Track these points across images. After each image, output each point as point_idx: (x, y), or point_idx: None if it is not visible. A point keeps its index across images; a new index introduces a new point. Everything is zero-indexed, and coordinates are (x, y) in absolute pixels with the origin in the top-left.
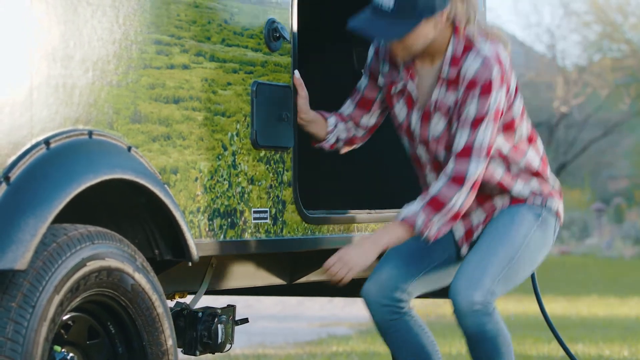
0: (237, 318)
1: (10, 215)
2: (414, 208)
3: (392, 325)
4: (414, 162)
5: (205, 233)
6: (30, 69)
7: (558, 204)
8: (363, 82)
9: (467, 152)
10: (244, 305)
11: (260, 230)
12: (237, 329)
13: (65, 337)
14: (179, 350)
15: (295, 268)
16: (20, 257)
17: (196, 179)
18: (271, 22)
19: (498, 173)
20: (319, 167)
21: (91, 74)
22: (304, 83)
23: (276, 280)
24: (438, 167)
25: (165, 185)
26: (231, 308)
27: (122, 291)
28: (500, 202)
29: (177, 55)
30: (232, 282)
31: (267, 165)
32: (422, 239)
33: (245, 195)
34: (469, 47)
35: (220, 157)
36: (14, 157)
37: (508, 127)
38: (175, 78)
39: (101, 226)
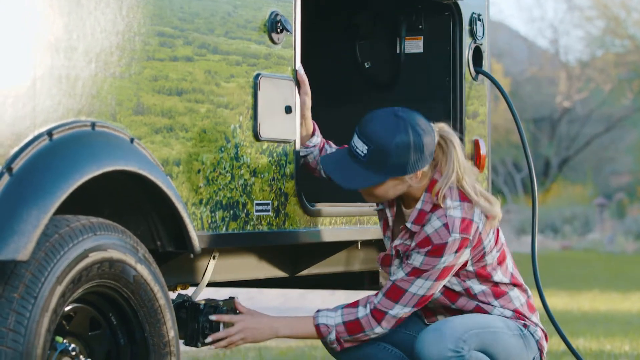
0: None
1: (13, 206)
2: (331, 320)
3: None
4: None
5: (208, 225)
6: (33, 60)
7: (542, 338)
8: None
9: (397, 294)
10: (246, 297)
11: (263, 222)
12: None
13: (67, 328)
14: (181, 341)
15: (297, 260)
16: (22, 248)
17: (199, 171)
18: (274, 15)
19: (471, 304)
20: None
21: (94, 66)
22: (307, 76)
23: (278, 273)
24: None
25: (168, 177)
26: (232, 299)
27: (124, 282)
28: None
29: (181, 48)
30: (234, 274)
31: (270, 158)
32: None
33: (248, 188)
34: (437, 206)
35: (222, 149)
36: (16, 148)
37: (481, 274)
38: (179, 70)
39: (103, 218)
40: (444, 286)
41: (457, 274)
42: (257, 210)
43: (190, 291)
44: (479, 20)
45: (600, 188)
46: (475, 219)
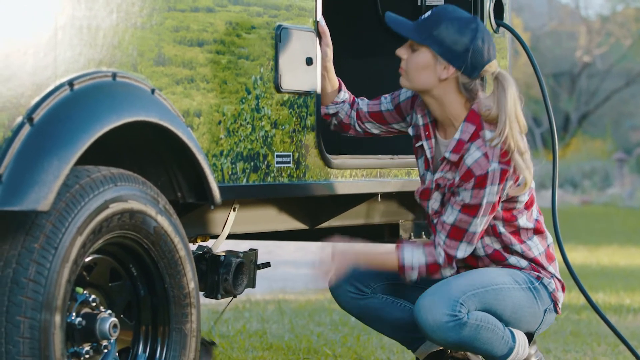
0: (258, 262)
1: (34, 156)
2: (416, 261)
3: (361, 305)
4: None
5: (228, 177)
6: (54, 10)
7: (557, 290)
8: (386, 105)
9: (459, 235)
10: (264, 251)
11: (283, 174)
12: (258, 274)
13: (88, 279)
14: (201, 293)
15: (317, 213)
16: (43, 199)
17: (219, 122)
18: None
19: (490, 248)
20: None
21: (115, 16)
22: (328, 27)
23: (298, 225)
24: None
25: (189, 128)
26: (253, 252)
27: (145, 233)
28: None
29: None
30: (254, 226)
31: (291, 110)
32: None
33: (269, 139)
34: (476, 135)
35: (243, 100)
36: (37, 98)
37: (508, 212)
38: (200, 21)
39: (124, 168)
40: None
41: None
42: (277, 162)
43: (210, 243)
44: None
45: (620, 143)
46: (507, 156)
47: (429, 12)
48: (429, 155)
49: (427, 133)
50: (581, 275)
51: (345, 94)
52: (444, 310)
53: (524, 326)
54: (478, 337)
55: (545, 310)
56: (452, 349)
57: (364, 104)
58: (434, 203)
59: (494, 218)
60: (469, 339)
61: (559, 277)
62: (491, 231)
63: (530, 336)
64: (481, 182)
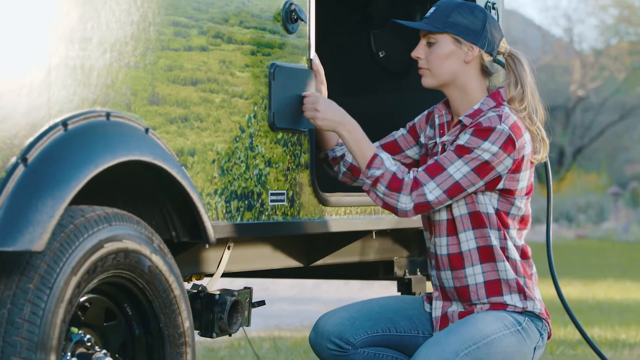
0: (253, 300)
1: (28, 196)
2: (387, 163)
3: None
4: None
5: (222, 215)
6: (48, 50)
7: (541, 310)
8: (399, 133)
9: (436, 171)
10: (260, 288)
11: (277, 212)
12: (254, 311)
13: (83, 318)
14: (196, 332)
15: (312, 250)
16: (38, 239)
17: (213, 161)
18: (289, 4)
19: (480, 275)
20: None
21: (109, 56)
22: (322, 65)
23: (293, 263)
24: (441, 229)
25: (183, 167)
26: (248, 290)
27: (139, 273)
28: (479, 306)
29: (195, 37)
30: (248, 264)
31: (285, 148)
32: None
33: (263, 178)
34: (494, 108)
35: (237, 139)
36: (31, 139)
37: (506, 193)
38: (193, 60)
39: (118, 208)
40: (475, 216)
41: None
42: (271, 200)
43: (205, 281)
44: (493, 8)
45: (615, 177)
46: (525, 135)
47: (433, 8)
48: (439, 148)
49: (441, 132)
50: (576, 310)
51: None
52: None
53: None
54: None
55: (535, 348)
56: None
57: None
58: None
59: (490, 225)
60: None
61: (540, 301)
62: (482, 242)
63: None
64: (483, 133)
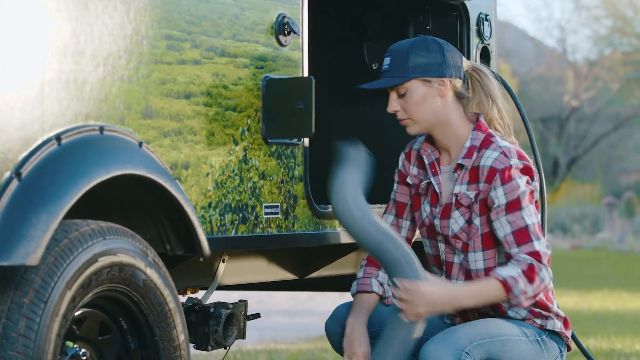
0: (248, 313)
1: (22, 211)
2: (513, 271)
3: None
4: (433, 263)
5: (217, 228)
6: (41, 65)
7: (563, 328)
8: (394, 189)
9: (524, 235)
10: (255, 300)
11: (272, 225)
12: (249, 324)
13: (77, 332)
14: (191, 345)
15: (307, 263)
16: (32, 253)
17: (207, 174)
18: (282, 17)
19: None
20: (330, 162)
21: (102, 70)
22: (315, 78)
23: (288, 275)
24: (456, 269)
25: (177, 181)
26: (243, 303)
27: (134, 287)
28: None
29: (188, 51)
30: (243, 277)
31: (278, 160)
32: (506, 308)
33: (257, 190)
34: (487, 141)
35: (231, 152)
36: (25, 153)
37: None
38: (187, 73)
39: (113, 222)
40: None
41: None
42: (266, 213)
43: (200, 295)
44: (486, 20)
45: (609, 187)
46: (520, 149)
47: (388, 58)
48: (437, 190)
49: (433, 170)
50: (572, 320)
51: (374, 285)
52: (449, 359)
53: None
54: None
55: (557, 355)
56: None
57: (386, 220)
58: (454, 223)
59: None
60: None
61: (562, 313)
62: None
63: None
64: (508, 176)
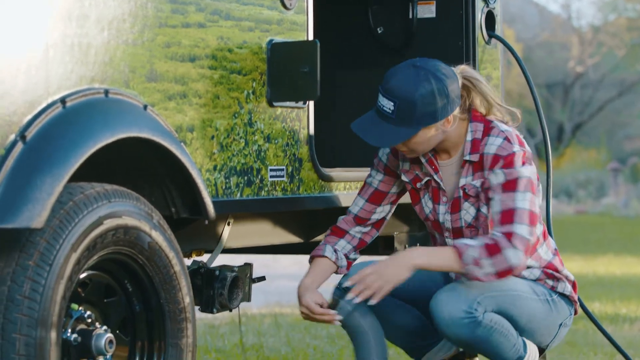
0: (254, 276)
1: (27, 174)
2: (469, 242)
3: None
4: None
5: (222, 191)
6: (45, 28)
7: (573, 291)
8: (375, 178)
9: (509, 217)
10: (260, 264)
11: (277, 188)
12: (254, 288)
13: (83, 295)
14: (196, 308)
15: (312, 226)
16: (37, 216)
17: (212, 137)
18: None
19: None
20: (335, 125)
21: (107, 33)
22: (320, 41)
23: (293, 239)
24: None
25: (182, 144)
26: (248, 266)
27: (139, 249)
28: None
29: (193, 14)
30: (248, 240)
31: (283, 123)
32: (458, 276)
33: (262, 153)
34: (488, 129)
35: (236, 115)
36: (30, 116)
37: None
38: (191, 36)
39: (118, 184)
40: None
41: None
42: (271, 176)
43: (205, 258)
44: None
45: (614, 152)
46: (519, 134)
47: (389, 103)
48: (442, 187)
49: (433, 167)
50: (577, 285)
51: (327, 251)
52: (460, 306)
53: (537, 338)
54: (490, 339)
55: (561, 325)
56: (462, 347)
57: (355, 206)
58: (465, 214)
59: None
60: (481, 339)
61: (572, 276)
62: None
63: (541, 351)
64: (510, 162)
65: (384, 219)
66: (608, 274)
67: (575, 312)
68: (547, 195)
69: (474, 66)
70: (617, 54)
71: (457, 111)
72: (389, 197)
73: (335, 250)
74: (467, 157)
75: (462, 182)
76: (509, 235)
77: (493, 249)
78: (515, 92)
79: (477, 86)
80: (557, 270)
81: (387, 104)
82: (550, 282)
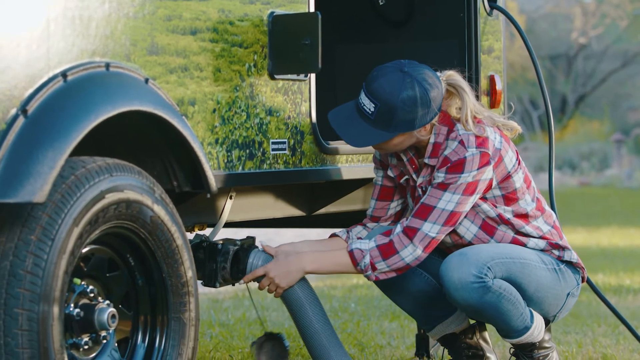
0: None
1: (28, 148)
2: (365, 245)
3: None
4: None
5: (224, 165)
6: (46, 2)
7: (577, 257)
8: (378, 175)
9: (426, 211)
10: (263, 238)
11: (279, 161)
12: None
13: (85, 269)
14: (199, 282)
15: (314, 199)
16: (39, 190)
17: (214, 111)
18: None
19: (509, 235)
20: (337, 97)
21: (107, 6)
22: (322, 14)
23: (295, 212)
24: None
25: (183, 117)
26: (251, 239)
27: (141, 223)
28: None
29: None
30: (251, 213)
31: (285, 96)
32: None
33: (264, 127)
34: (450, 131)
35: (237, 88)
36: (31, 90)
37: (509, 198)
38: (192, 9)
39: (119, 158)
40: (482, 217)
41: (486, 199)
42: (273, 149)
43: (207, 231)
44: None
45: (617, 124)
46: (489, 135)
47: (370, 104)
48: (419, 192)
49: (414, 166)
50: (581, 257)
51: (345, 233)
52: (470, 271)
53: (545, 308)
54: (498, 305)
55: (568, 294)
56: (469, 314)
57: (370, 208)
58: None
59: (497, 204)
60: (489, 305)
61: (569, 247)
62: (499, 220)
63: (547, 322)
64: (457, 168)
65: (402, 210)
66: (611, 246)
67: (583, 280)
68: (550, 168)
69: (476, 38)
70: (620, 25)
71: (435, 120)
72: (395, 191)
73: (348, 231)
74: (426, 160)
75: (420, 180)
76: (411, 232)
77: (388, 251)
78: (518, 64)
79: (460, 95)
80: (558, 245)
81: (369, 105)
82: (556, 252)
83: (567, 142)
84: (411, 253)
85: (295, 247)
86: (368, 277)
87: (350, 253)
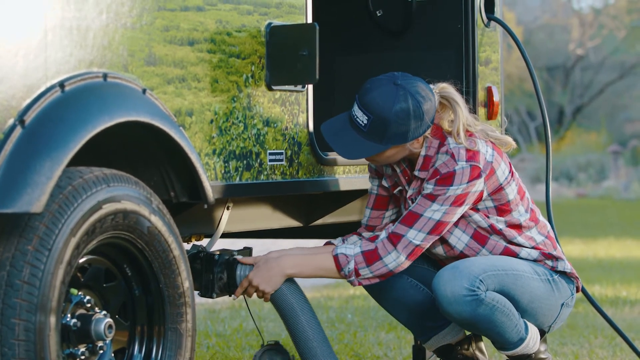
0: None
1: (26, 158)
2: (350, 251)
3: (383, 283)
4: None
5: (221, 175)
6: (44, 12)
7: (571, 267)
8: (373, 184)
9: (412, 219)
10: (260, 249)
11: (276, 172)
12: None
13: (82, 280)
14: (196, 292)
15: (311, 210)
16: (36, 200)
17: (211, 121)
18: None
19: (501, 244)
20: (334, 108)
21: (105, 16)
22: (319, 25)
23: (292, 223)
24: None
25: (181, 128)
26: (248, 250)
27: (139, 234)
28: None
29: None
30: (248, 224)
31: (282, 107)
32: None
33: (261, 137)
34: (441, 145)
35: (235, 99)
36: (28, 100)
37: (502, 209)
38: (190, 20)
39: (117, 169)
40: (473, 227)
41: (478, 210)
42: (270, 160)
43: (204, 242)
44: None
45: (615, 135)
46: (481, 149)
47: (364, 116)
48: (409, 203)
49: (407, 177)
50: (577, 268)
51: (340, 241)
52: (463, 284)
53: (539, 319)
54: (492, 318)
55: (562, 305)
56: (463, 327)
57: (365, 217)
58: None
59: (489, 214)
60: (482, 317)
61: (563, 257)
62: (491, 230)
63: (542, 333)
64: (446, 180)
65: (397, 219)
66: (608, 257)
67: (577, 290)
68: (547, 179)
69: (473, 49)
70: (617, 36)
71: (427, 132)
72: (389, 200)
73: (343, 240)
74: (416, 173)
75: (410, 192)
76: (395, 238)
77: (371, 257)
78: (515, 75)
79: (453, 107)
80: (547, 252)
81: (362, 117)
82: (549, 263)
83: (564, 153)
84: (394, 260)
85: (284, 253)
86: (351, 283)
87: (335, 257)
